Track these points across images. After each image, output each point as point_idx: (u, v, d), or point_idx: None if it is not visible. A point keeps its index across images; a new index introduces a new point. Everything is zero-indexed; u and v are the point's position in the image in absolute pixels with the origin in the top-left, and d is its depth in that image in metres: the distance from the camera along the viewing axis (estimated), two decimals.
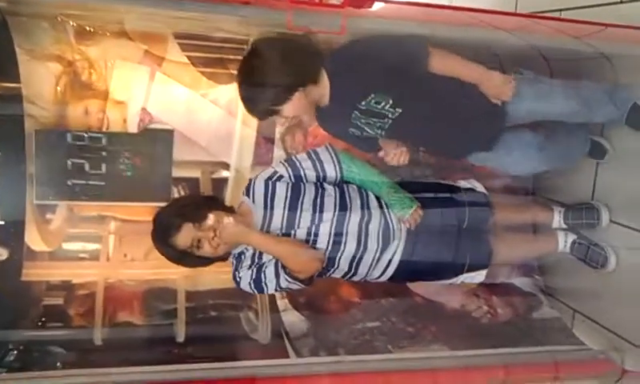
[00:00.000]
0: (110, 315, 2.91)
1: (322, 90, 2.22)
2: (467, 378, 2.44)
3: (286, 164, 2.36)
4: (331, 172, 2.36)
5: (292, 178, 2.34)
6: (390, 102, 2.23)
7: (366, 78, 2.20)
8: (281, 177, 2.33)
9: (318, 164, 2.36)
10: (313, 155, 2.38)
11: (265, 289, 2.28)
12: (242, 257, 2.29)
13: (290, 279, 2.22)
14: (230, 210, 2.29)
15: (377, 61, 2.17)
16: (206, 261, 2.25)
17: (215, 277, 2.99)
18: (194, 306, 2.99)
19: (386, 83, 2.20)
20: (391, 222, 2.33)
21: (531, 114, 2.42)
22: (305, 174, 2.35)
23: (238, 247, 2.29)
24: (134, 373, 2.40)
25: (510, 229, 2.68)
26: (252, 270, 2.26)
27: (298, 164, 2.36)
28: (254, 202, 2.32)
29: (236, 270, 2.30)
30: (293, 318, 2.87)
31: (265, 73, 2.12)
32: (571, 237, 2.73)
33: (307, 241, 2.26)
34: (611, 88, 2.51)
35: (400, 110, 2.25)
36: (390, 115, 2.27)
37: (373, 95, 2.22)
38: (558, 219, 2.77)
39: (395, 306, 2.90)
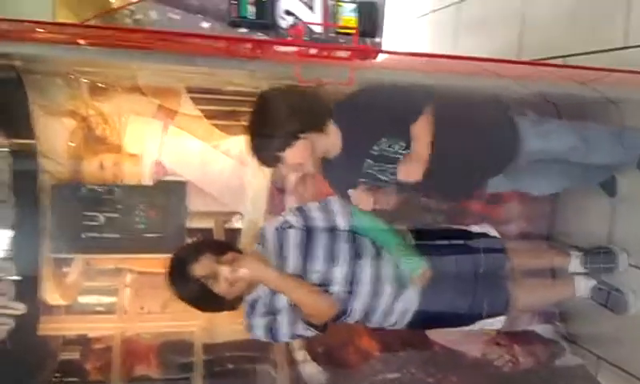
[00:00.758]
0: (127, 369, 2.91)
1: (330, 140, 2.21)
2: None
3: (296, 213, 2.37)
4: (341, 223, 2.37)
5: (302, 226, 2.34)
6: (403, 144, 2.22)
7: (375, 122, 2.19)
8: (291, 226, 2.33)
9: (328, 215, 2.37)
10: (324, 205, 2.39)
11: (279, 337, 2.26)
12: (256, 304, 2.27)
13: (305, 326, 2.21)
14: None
15: (384, 107, 2.17)
16: (219, 305, 2.21)
17: (232, 328, 2.99)
18: (211, 359, 2.97)
19: (396, 126, 2.19)
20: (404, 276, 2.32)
21: (535, 153, 2.40)
22: (315, 224, 2.35)
23: (252, 293, 2.26)
24: None
25: (528, 274, 2.65)
26: (266, 319, 2.24)
27: (308, 213, 2.36)
28: (267, 250, 2.32)
29: (249, 317, 2.27)
30: (312, 370, 2.84)
31: (269, 119, 2.12)
32: (591, 282, 2.69)
33: (321, 286, 2.25)
34: (620, 131, 2.50)
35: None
36: (402, 159, 2.27)
37: (384, 139, 2.21)
38: (575, 263, 2.75)
39: (415, 357, 2.86)
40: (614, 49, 2.72)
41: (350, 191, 2.29)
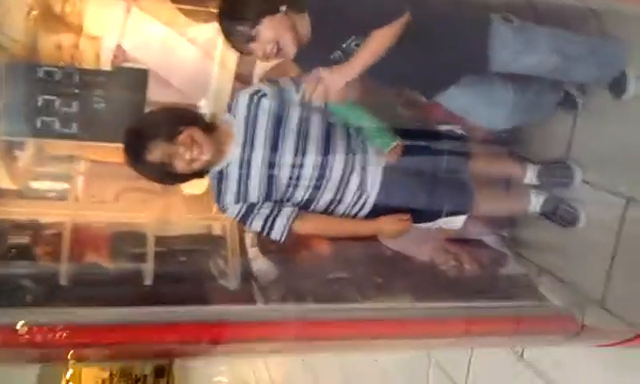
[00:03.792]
0: (76, 256, 2.92)
1: (303, 24, 2.22)
2: (431, 329, 2.51)
3: (271, 83, 2.37)
4: None
5: (276, 95, 2.33)
6: None
7: (346, 20, 2.21)
8: (264, 94, 2.32)
9: (301, 88, 2.36)
10: (297, 80, 2.38)
11: (249, 225, 2.34)
12: (224, 174, 2.29)
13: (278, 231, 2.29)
14: (210, 127, 2.28)
15: (356, 6, 2.20)
16: (182, 177, 2.26)
17: (186, 222, 3.04)
18: (164, 251, 3.00)
19: (365, 26, 2.21)
20: (369, 160, 2.39)
21: (510, 64, 2.45)
22: (289, 96, 2.35)
23: (216, 165, 2.28)
24: (100, 313, 2.41)
25: (485, 182, 2.72)
26: (241, 206, 2.29)
27: (282, 84, 2.36)
28: (235, 117, 2.31)
29: (221, 193, 2.30)
30: (262, 266, 2.90)
31: None
32: (543, 195, 2.78)
33: (293, 166, 2.28)
34: (597, 46, 2.55)
35: None
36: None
37: (354, 37, 2.24)
38: (531, 176, 2.82)
39: (364, 257, 2.96)
40: None
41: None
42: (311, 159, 2.29)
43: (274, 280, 2.87)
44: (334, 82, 2.24)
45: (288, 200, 2.34)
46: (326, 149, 2.31)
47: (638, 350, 2.46)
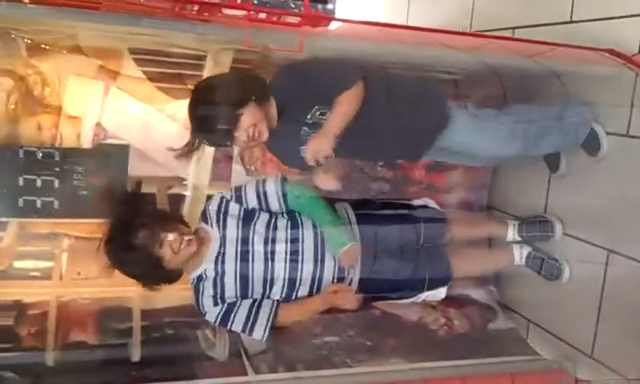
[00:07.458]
0: (62, 335, 2.92)
1: (271, 111, 2.32)
2: None
3: (233, 194, 2.47)
4: (275, 206, 2.47)
5: (239, 198, 2.46)
6: None
7: (307, 92, 2.30)
8: (229, 199, 2.45)
9: (262, 198, 2.46)
10: (260, 188, 2.48)
11: (229, 327, 2.40)
12: (202, 277, 2.37)
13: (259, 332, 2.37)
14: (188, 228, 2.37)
15: (316, 77, 2.29)
16: (159, 276, 2.31)
17: (171, 294, 3.06)
18: (150, 325, 3.03)
19: (327, 96, 2.29)
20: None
21: (469, 147, 2.55)
22: (251, 206, 2.46)
23: (196, 269, 2.37)
24: None
25: (467, 244, 2.80)
26: (221, 307, 2.36)
27: (244, 195, 2.47)
28: (211, 226, 2.41)
29: (199, 297, 2.38)
30: None
31: (211, 101, 2.22)
32: (526, 250, 2.87)
33: (265, 258, 2.36)
34: (561, 114, 2.64)
35: None
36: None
37: (317, 107, 2.32)
38: (512, 233, 2.91)
39: (354, 321, 3.00)
40: (560, 23, 2.90)
41: (315, 176, 2.34)
42: (282, 247, 2.38)
43: (263, 349, 2.91)
44: (322, 147, 2.22)
45: (268, 297, 2.42)
46: (296, 237, 2.41)
47: None
